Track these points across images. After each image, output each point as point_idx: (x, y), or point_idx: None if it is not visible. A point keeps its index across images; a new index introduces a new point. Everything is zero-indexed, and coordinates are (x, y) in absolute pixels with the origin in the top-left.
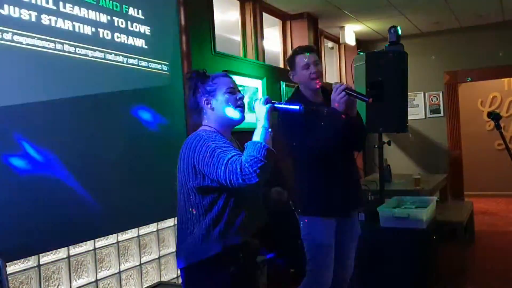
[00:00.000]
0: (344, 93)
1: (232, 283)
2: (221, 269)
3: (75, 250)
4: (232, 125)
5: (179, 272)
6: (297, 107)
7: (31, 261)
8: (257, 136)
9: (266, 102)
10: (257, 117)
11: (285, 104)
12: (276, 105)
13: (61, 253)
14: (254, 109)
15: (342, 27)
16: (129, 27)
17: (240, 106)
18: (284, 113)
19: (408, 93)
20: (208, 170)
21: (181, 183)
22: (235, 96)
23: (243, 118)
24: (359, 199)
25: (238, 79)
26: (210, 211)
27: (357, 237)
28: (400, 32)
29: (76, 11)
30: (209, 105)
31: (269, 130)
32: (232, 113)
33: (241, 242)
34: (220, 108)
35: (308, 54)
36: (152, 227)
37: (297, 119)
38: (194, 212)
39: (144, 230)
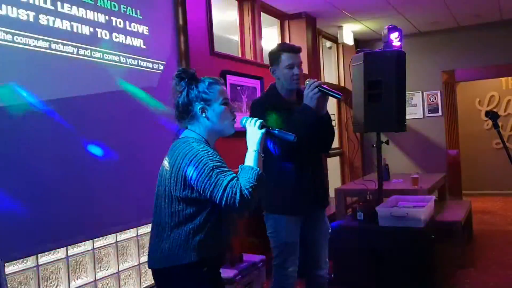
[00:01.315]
0: (317, 89)
1: None
2: (194, 278)
3: (73, 250)
4: (222, 136)
5: None
6: (291, 137)
7: (29, 261)
8: (250, 161)
9: (261, 126)
10: (248, 138)
11: (279, 132)
12: (271, 132)
13: (60, 253)
14: (244, 126)
15: (340, 27)
16: (127, 27)
17: (234, 120)
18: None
19: (406, 93)
20: (203, 188)
21: (164, 187)
22: (230, 108)
23: (234, 131)
24: (324, 198)
25: (236, 79)
26: (191, 221)
27: (327, 232)
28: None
29: (74, 11)
30: (204, 114)
31: (262, 155)
32: (228, 127)
33: (217, 255)
34: (216, 119)
35: (295, 54)
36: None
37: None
38: (174, 218)
39: (142, 230)
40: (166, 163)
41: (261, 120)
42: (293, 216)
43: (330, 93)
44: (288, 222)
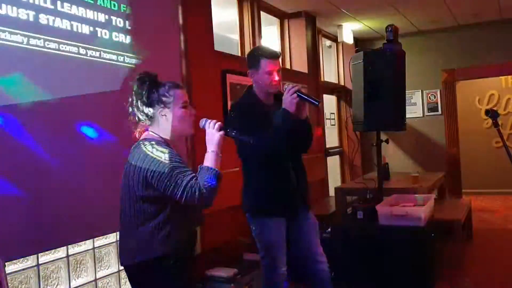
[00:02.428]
0: (296, 95)
1: (178, 285)
2: (167, 270)
3: (74, 249)
4: (180, 137)
5: None
6: (249, 139)
7: (30, 261)
8: (209, 162)
9: (219, 129)
10: (207, 139)
11: (236, 134)
12: (229, 134)
13: (60, 252)
14: (203, 127)
15: (340, 26)
16: (127, 26)
17: (192, 122)
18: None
19: (406, 91)
20: (164, 188)
21: (128, 188)
22: (189, 111)
23: (193, 133)
24: (306, 199)
25: (235, 78)
26: (155, 218)
27: (315, 227)
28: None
29: (74, 10)
30: (164, 116)
31: (220, 155)
32: (187, 128)
33: (183, 248)
34: (175, 121)
35: (275, 60)
36: None
37: (248, 121)
38: (139, 216)
39: None
40: (128, 164)
41: (219, 123)
42: (277, 218)
43: (308, 99)
44: (272, 223)
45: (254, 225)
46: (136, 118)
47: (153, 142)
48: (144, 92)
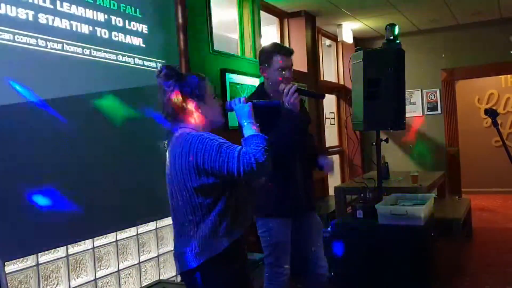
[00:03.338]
0: (297, 94)
1: (240, 276)
2: (230, 263)
3: (73, 249)
4: (215, 127)
5: None
6: (277, 102)
7: (29, 260)
8: (249, 130)
9: (245, 101)
10: (238, 115)
11: (264, 102)
12: (255, 103)
13: (60, 252)
14: (231, 108)
15: (340, 25)
16: (127, 26)
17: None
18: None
19: (406, 91)
20: (218, 166)
21: (177, 185)
22: (219, 102)
23: (224, 122)
24: (311, 199)
25: (235, 77)
26: (214, 209)
27: (320, 230)
28: (397, 29)
29: (74, 10)
30: (199, 110)
31: (257, 124)
32: (219, 118)
33: (242, 236)
34: (210, 113)
35: (287, 57)
36: (151, 225)
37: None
38: (196, 212)
39: (143, 228)
40: (170, 161)
41: (243, 97)
42: (282, 219)
43: (311, 95)
44: (277, 224)
45: (259, 224)
46: (169, 113)
47: (196, 134)
48: (173, 88)
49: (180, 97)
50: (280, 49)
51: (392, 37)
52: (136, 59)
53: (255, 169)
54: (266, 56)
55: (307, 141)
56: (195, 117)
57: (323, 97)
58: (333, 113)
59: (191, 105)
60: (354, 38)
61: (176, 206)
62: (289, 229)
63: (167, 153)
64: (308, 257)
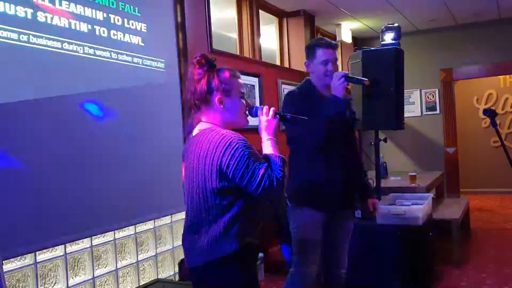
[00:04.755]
0: (344, 79)
1: (249, 279)
2: (238, 267)
3: (71, 247)
4: (235, 127)
5: (176, 269)
6: (303, 119)
7: (27, 259)
8: (270, 149)
9: (274, 115)
10: (262, 127)
11: (291, 117)
12: (284, 119)
13: (58, 250)
14: (256, 115)
15: (339, 25)
16: (126, 25)
17: (247, 113)
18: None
19: (404, 91)
20: (240, 177)
21: (198, 182)
22: (246, 102)
23: (246, 125)
24: (351, 198)
25: None
26: (228, 211)
27: (349, 232)
28: (393, 35)
29: (72, 8)
30: (222, 105)
31: (277, 142)
32: (243, 120)
33: (254, 240)
34: (234, 111)
35: (331, 50)
36: (149, 224)
37: (297, 110)
38: (211, 212)
39: (141, 227)
40: (190, 157)
41: (272, 108)
42: (318, 212)
43: (356, 81)
44: (312, 217)
45: (293, 218)
46: (190, 104)
47: (219, 129)
48: (202, 77)
49: (205, 87)
50: (324, 42)
51: (386, 42)
52: (134, 58)
53: (272, 191)
54: (309, 50)
55: (355, 140)
56: (217, 111)
57: (367, 82)
58: None
59: (215, 98)
60: (353, 37)
61: (191, 203)
62: (321, 227)
63: (186, 148)
64: (331, 257)
